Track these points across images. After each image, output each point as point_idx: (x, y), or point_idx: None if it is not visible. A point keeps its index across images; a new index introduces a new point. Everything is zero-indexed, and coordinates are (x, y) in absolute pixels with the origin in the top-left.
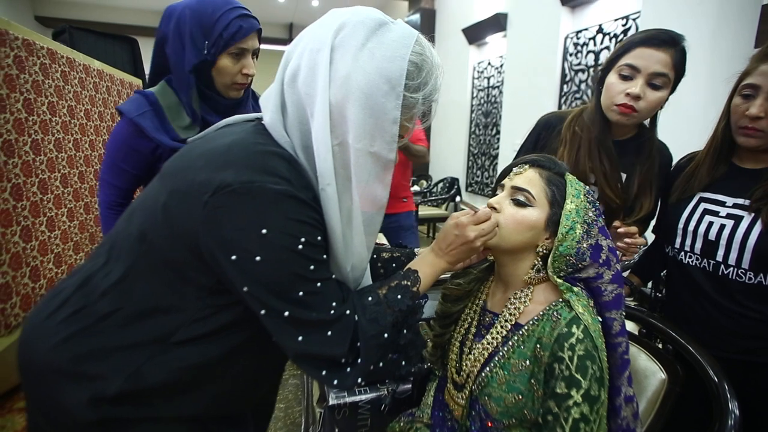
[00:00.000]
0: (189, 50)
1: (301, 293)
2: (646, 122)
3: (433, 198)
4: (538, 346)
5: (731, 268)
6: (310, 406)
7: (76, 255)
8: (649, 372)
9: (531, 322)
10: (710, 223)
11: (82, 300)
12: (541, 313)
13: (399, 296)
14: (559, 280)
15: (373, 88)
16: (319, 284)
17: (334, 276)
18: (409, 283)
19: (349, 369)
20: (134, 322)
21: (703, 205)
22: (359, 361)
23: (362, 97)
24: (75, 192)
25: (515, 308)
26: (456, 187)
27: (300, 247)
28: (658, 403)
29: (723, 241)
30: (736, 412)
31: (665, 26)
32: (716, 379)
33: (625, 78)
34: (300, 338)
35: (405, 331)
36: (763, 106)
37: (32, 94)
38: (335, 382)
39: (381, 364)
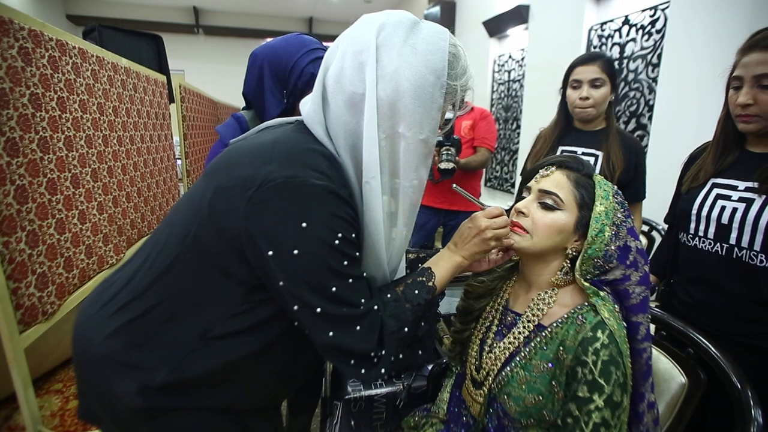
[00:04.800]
0: (270, 101)
1: (334, 288)
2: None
3: None
4: (561, 348)
5: (744, 251)
6: (327, 398)
7: (105, 246)
8: (669, 376)
9: (555, 324)
10: (723, 207)
11: (131, 293)
12: (566, 315)
13: (416, 291)
14: (586, 284)
15: (421, 79)
16: (350, 280)
17: (365, 273)
18: (424, 279)
19: (376, 361)
20: (176, 314)
21: (716, 191)
22: (383, 353)
23: (411, 89)
24: (104, 186)
25: (538, 309)
26: None
27: (336, 242)
28: (677, 408)
29: (735, 224)
30: (760, 420)
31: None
32: (739, 385)
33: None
34: (331, 333)
35: (423, 323)
36: (748, 94)
37: (65, 92)
38: (362, 371)
39: (401, 356)
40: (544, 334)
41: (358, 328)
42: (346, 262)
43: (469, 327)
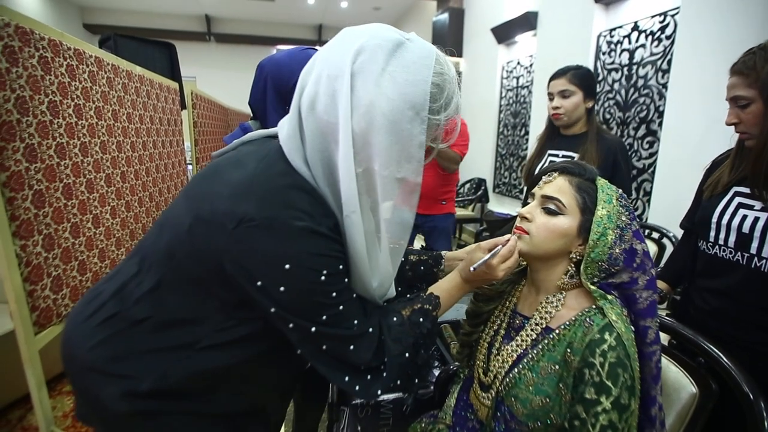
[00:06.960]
0: (271, 115)
1: (324, 317)
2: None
3: (460, 199)
4: (569, 350)
5: (764, 261)
6: (333, 404)
7: (117, 250)
8: (679, 385)
9: (562, 327)
10: (744, 216)
11: (117, 306)
12: (573, 318)
13: (421, 319)
14: (592, 287)
15: (398, 114)
16: (341, 306)
17: (355, 295)
18: (430, 308)
19: (370, 378)
20: (163, 329)
21: (738, 199)
22: (384, 375)
23: (387, 125)
24: (117, 191)
25: (546, 312)
26: (483, 188)
27: (323, 278)
28: (688, 419)
29: (757, 233)
30: None
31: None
32: (752, 396)
33: None
34: (324, 347)
35: (423, 351)
36: (732, 114)
37: (81, 100)
38: (357, 388)
39: (399, 381)
40: (551, 336)
41: (351, 347)
42: (334, 294)
43: (477, 330)
